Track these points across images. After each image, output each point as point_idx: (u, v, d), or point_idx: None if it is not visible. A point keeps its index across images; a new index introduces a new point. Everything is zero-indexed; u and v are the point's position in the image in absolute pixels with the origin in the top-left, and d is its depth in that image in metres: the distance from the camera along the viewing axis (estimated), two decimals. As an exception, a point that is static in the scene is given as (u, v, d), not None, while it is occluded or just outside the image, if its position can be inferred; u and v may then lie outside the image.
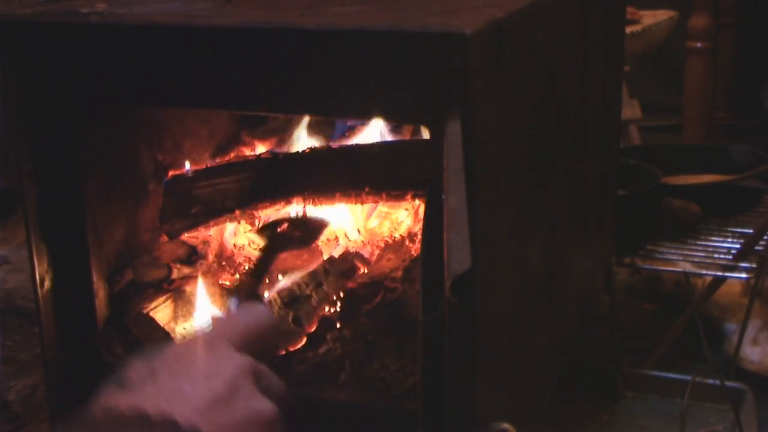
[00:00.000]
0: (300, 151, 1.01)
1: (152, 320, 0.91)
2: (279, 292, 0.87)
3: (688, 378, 1.20)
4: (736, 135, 2.67)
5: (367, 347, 0.86)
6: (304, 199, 0.97)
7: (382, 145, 0.98)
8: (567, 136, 0.95)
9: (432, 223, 0.68)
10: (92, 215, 0.84)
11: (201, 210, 0.97)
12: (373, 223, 0.99)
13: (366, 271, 0.92)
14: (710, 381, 1.24)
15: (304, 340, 0.85)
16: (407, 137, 1.01)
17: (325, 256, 0.95)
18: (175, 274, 0.95)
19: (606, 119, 1.17)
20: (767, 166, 1.55)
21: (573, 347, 1.10)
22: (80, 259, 0.84)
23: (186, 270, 0.96)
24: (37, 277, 0.83)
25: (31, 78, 0.79)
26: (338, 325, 0.88)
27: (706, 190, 1.51)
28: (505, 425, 0.72)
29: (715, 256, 1.38)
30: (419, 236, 0.82)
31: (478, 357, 0.71)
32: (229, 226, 1.00)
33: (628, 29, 1.88)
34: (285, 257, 0.96)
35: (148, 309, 0.91)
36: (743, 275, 1.33)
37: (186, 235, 0.98)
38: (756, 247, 1.35)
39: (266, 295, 0.89)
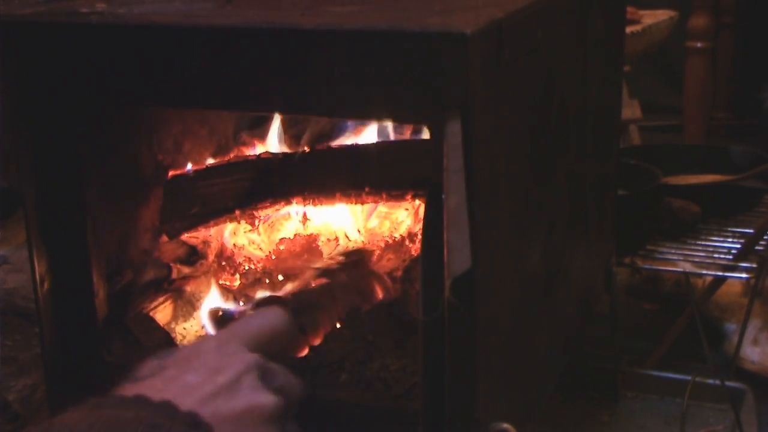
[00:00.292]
0: (300, 151, 1.01)
1: (152, 320, 0.91)
2: (293, 296, 0.87)
3: (688, 378, 1.20)
4: (736, 135, 2.67)
5: (367, 347, 0.86)
6: (304, 199, 0.97)
7: (382, 145, 0.98)
8: (567, 136, 0.95)
9: (432, 223, 0.68)
10: (92, 215, 0.84)
11: (201, 210, 0.97)
12: (373, 223, 0.99)
13: (383, 295, 0.91)
14: (710, 381, 1.24)
15: (307, 350, 0.85)
16: (407, 137, 1.01)
17: (325, 256, 0.95)
18: (175, 274, 0.95)
19: (606, 119, 1.17)
20: (767, 166, 1.55)
21: (573, 347, 1.10)
22: (80, 259, 0.84)
23: (186, 270, 0.96)
24: (37, 277, 0.83)
25: (31, 78, 0.79)
26: (338, 325, 0.88)
27: (706, 190, 1.51)
28: (505, 425, 0.72)
29: (715, 256, 1.38)
30: (419, 236, 0.82)
31: (478, 357, 0.71)
32: (229, 226, 1.00)
33: (628, 29, 1.88)
34: (285, 257, 0.96)
35: (148, 309, 0.91)
36: (743, 275, 1.33)
37: (186, 235, 0.98)
38: (756, 247, 1.35)
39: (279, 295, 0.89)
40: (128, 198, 0.93)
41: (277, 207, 0.99)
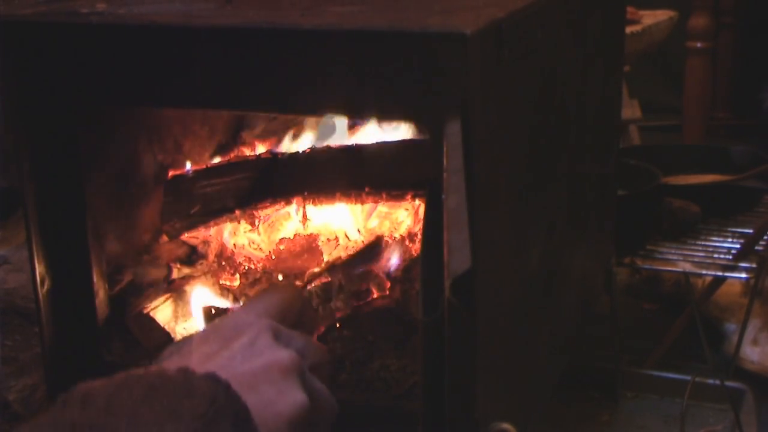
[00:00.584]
0: (300, 151, 1.01)
1: (152, 320, 0.91)
2: None
3: (688, 378, 1.19)
4: (736, 135, 2.67)
5: (367, 347, 0.86)
6: (304, 199, 0.97)
7: (382, 145, 0.98)
8: (567, 135, 0.95)
9: (432, 223, 0.68)
10: (92, 215, 0.84)
11: (201, 210, 0.97)
12: (373, 223, 0.99)
13: (379, 296, 0.91)
14: (710, 381, 1.24)
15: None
16: (407, 137, 1.01)
17: (326, 257, 0.95)
18: (175, 274, 0.95)
19: (606, 119, 1.17)
20: (767, 166, 1.55)
21: (573, 347, 1.10)
22: (80, 259, 0.84)
23: (186, 270, 0.96)
24: (37, 277, 0.83)
25: (31, 78, 0.79)
26: (338, 325, 0.88)
27: (706, 190, 1.51)
28: (505, 425, 0.72)
29: (715, 256, 1.38)
30: (419, 236, 0.82)
31: (478, 357, 0.71)
32: (229, 226, 1.00)
33: (628, 29, 1.88)
34: (285, 257, 0.96)
35: (148, 309, 0.91)
36: (743, 275, 1.33)
37: (186, 235, 0.98)
38: (756, 247, 1.35)
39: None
40: (128, 198, 0.93)
41: (277, 207, 0.99)
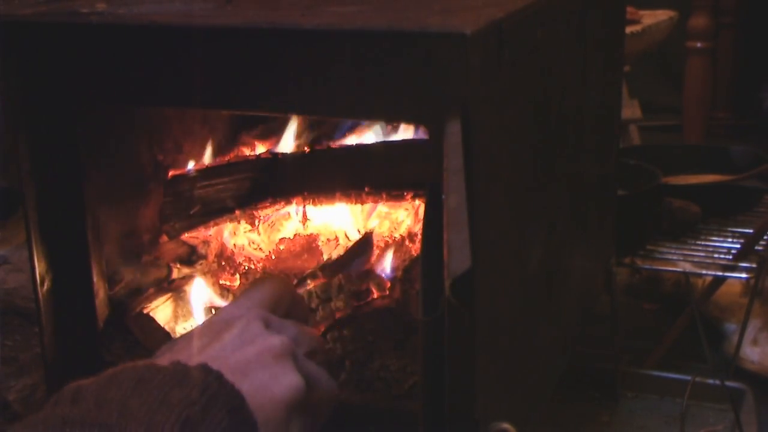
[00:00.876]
0: (300, 151, 1.01)
1: (152, 320, 0.91)
2: None
3: (688, 378, 1.20)
4: (736, 135, 2.67)
5: (367, 347, 0.86)
6: (304, 199, 0.97)
7: (382, 145, 0.98)
8: (567, 136, 0.95)
9: (432, 223, 0.68)
10: (92, 215, 0.84)
11: (201, 210, 0.97)
12: (373, 223, 0.99)
13: (379, 296, 0.91)
14: (710, 381, 1.24)
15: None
16: (407, 137, 1.01)
17: (326, 257, 0.95)
18: (175, 274, 0.95)
19: (606, 119, 1.17)
20: (767, 166, 1.55)
21: (573, 347, 1.10)
22: (80, 259, 0.84)
23: (186, 270, 0.96)
24: (37, 277, 0.83)
25: (31, 78, 0.79)
26: (338, 325, 0.88)
27: (706, 190, 1.51)
28: (505, 425, 0.72)
29: (715, 256, 1.38)
30: (419, 236, 0.81)
31: (478, 357, 0.71)
32: (229, 226, 1.00)
33: (628, 29, 1.88)
34: (285, 257, 0.96)
35: (148, 309, 0.91)
36: (743, 275, 1.33)
37: (186, 235, 0.98)
38: (756, 247, 1.35)
39: None
40: (128, 198, 0.93)
41: (277, 207, 0.99)
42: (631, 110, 2.21)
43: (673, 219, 1.43)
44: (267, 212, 0.99)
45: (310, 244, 0.97)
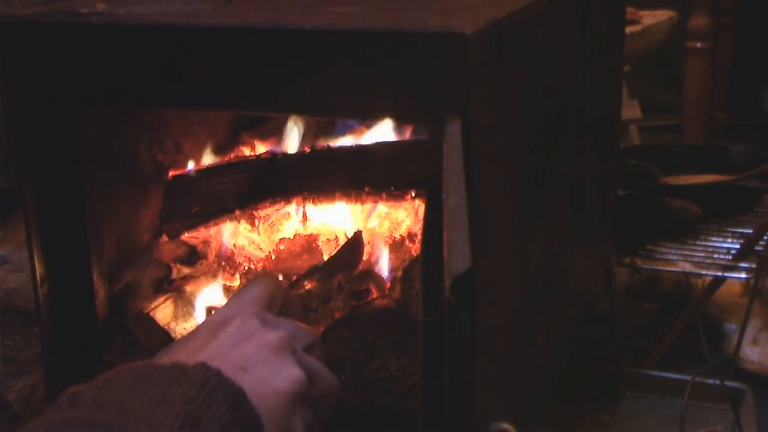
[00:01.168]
0: (300, 151, 1.01)
1: (152, 320, 0.91)
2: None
3: (688, 378, 1.20)
4: (736, 135, 2.67)
5: (367, 347, 0.86)
6: (304, 199, 0.97)
7: (382, 145, 0.98)
8: (567, 135, 0.95)
9: (432, 223, 0.68)
10: (92, 215, 0.84)
11: (201, 210, 0.97)
12: (373, 223, 0.99)
13: (378, 297, 0.91)
14: (710, 381, 1.24)
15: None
16: (407, 137, 1.01)
17: (326, 256, 0.95)
18: (175, 274, 0.95)
19: (606, 119, 1.17)
20: (767, 166, 1.55)
21: (573, 347, 1.10)
22: (80, 259, 0.84)
23: (186, 270, 0.96)
24: (37, 277, 0.83)
25: (31, 78, 0.79)
26: (338, 325, 0.88)
27: (706, 190, 1.51)
28: (505, 425, 0.72)
29: (715, 256, 1.38)
30: (419, 236, 0.81)
31: (478, 357, 0.71)
32: (229, 226, 1.00)
33: (628, 29, 1.88)
34: (285, 257, 0.96)
35: (148, 309, 0.91)
36: (743, 275, 1.33)
37: (186, 235, 0.98)
38: (756, 247, 1.35)
39: None
40: (128, 198, 0.93)
41: (277, 207, 0.99)
42: (631, 110, 2.21)
43: (673, 219, 1.43)
44: (267, 212, 0.99)
45: (310, 244, 0.97)
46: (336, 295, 0.89)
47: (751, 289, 1.34)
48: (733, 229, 1.45)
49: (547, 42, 0.83)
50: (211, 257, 0.98)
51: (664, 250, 1.40)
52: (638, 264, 1.40)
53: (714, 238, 1.44)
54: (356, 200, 0.96)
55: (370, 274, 0.91)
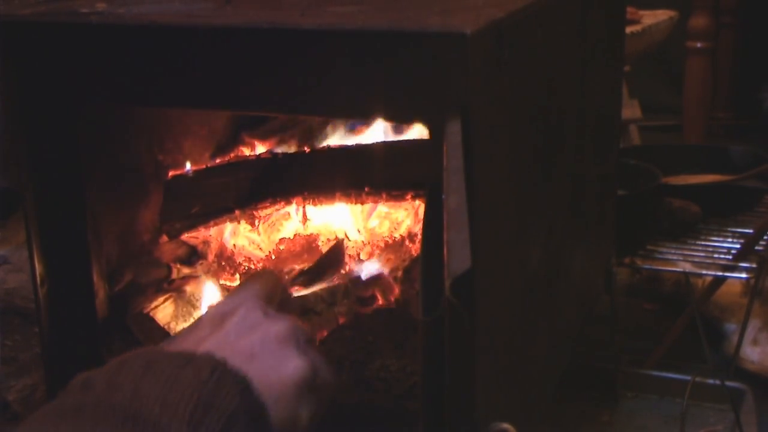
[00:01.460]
0: (300, 151, 1.01)
1: (152, 320, 0.91)
2: (294, 299, 0.88)
3: (688, 378, 1.19)
4: (736, 135, 2.67)
5: (367, 347, 0.86)
6: (304, 199, 0.97)
7: (382, 145, 0.98)
8: (567, 135, 0.95)
9: (432, 223, 0.68)
10: (92, 215, 0.84)
11: (201, 210, 0.97)
12: (373, 223, 0.99)
13: (384, 302, 0.91)
14: (710, 381, 1.24)
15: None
16: (408, 137, 1.01)
17: (324, 251, 0.95)
18: (175, 274, 0.95)
19: (606, 119, 1.17)
20: (767, 166, 1.55)
21: (573, 347, 1.10)
22: (80, 259, 0.84)
23: (186, 270, 0.96)
24: (37, 277, 0.83)
25: (31, 78, 0.79)
26: (338, 325, 0.88)
27: (706, 190, 1.51)
28: (505, 425, 0.72)
29: (715, 256, 1.38)
30: (419, 236, 0.81)
31: (478, 357, 0.71)
32: (229, 226, 1.00)
33: (628, 29, 1.88)
34: (285, 257, 0.96)
35: (148, 309, 0.91)
36: (743, 275, 1.33)
37: (186, 235, 0.98)
38: (756, 247, 1.35)
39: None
40: (128, 198, 0.93)
41: (277, 207, 0.99)
42: (631, 110, 2.21)
43: (673, 219, 1.43)
44: (267, 212, 0.99)
45: (310, 244, 0.97)
46: (341, 299, 0.89)
47: (751, 289, 1.34)
48: (733, 229, 1.45)
49: (547, 42, 0.83)
50: (211, 257, 0.98)
51: (664, 250, 1.40)
52: (638, 264, 1.40)
53: (714, 238, 1.44)
54: (356, 200, 0.96)
55: (378, 279, 0.91)
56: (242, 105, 0.78)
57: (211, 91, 0.75)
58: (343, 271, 0.94)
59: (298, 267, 0.93)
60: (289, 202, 0.98)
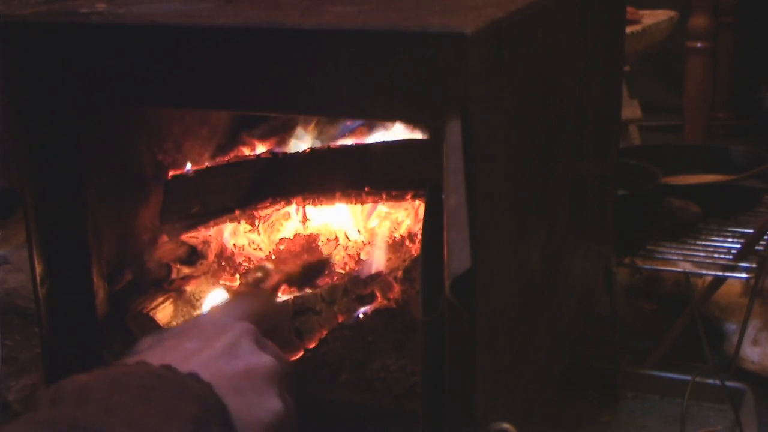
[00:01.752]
0: (300, 151, 1.01)
1: (152, 320, 0.91)
2: (294, 298, 0.88)
3: (688, 378, 1.19)
4: (736, 135, 2.67)
5: (367, 347, 0.86)
6: (304, 199, 0.97)
7: (382, 145, 0.98)
8: (567, 135, 0.95)
9: (432, 223, 0.68)
10: (92, 215, 0.84)
11: (201, 210, 0.97)
12: (373, 223, 0.99)
13: (384, 301, 0.91)
14: (710, 381, 1.24)
15: (301, 353, 0.86)
16: (407, 137, 1.01)
17: (324, 253, 0.95)
18: (175, 274, 0.95)
19: (606, 119, 1.17)
20: (767, 166, 1.55)
21: (573, 347, 1.10)
22: (80, 259, 0.84)
23: (186, 270, 0.96)
24: (37, 277, 0.83)
25: (31, 78, 0.79)
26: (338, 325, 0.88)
27: (706, 190, 1.51)
28: (505, 425, 0.72)
29: (715, 256, 1.38)
30: (419, 236, 0.82)
31: (478, 357, 0.71)
32: (229, 226, 1.00)
33: (628, 29, 1.88)
34: (285, 257, 0.96)
35: (148, 309, 0.91)
36: (743, 275, 1.33)
37: (186, 235, 0.98)
38: (756, 247, 1.35)
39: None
40: (128, 198, 0.93)
41: (277, 207, 0.99)
42: (631, 110, 2.21)
43: (673, 219, 1.43)
44: (267, 212, 0.99)
45: (310, 244, 0.97)
46: (341, 298, 0.89)
47: (751, 289, 1.34)
48: (733, 229, 1.45)
49: (547, 42, 0.83)
50: (211, 257, 0.98)
51: (664, 250, 1.40)
52: (638, 264, 1.40)
53: (714, 238, 1.44)
54: (356, 200, 0.96)
55: (377, 278, 0.91)
56: (242, 105, 0.78)
57: (212, 91, 0.75)
58: (342, 271, 0.94)
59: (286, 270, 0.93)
60: (289, 202, 0.98)
